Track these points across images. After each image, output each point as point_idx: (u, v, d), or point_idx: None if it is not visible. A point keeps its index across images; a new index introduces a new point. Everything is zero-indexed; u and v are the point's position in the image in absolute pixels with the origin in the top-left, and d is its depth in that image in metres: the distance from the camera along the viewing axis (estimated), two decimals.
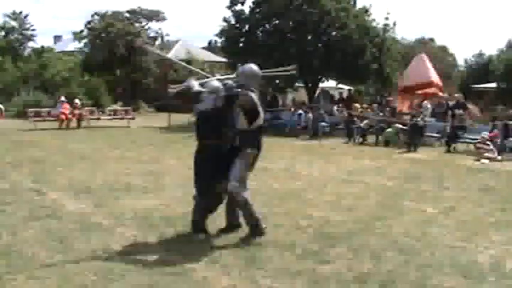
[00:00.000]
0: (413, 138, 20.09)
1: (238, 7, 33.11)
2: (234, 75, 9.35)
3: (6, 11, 70.00)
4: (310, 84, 33.75)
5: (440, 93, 24.72)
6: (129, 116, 31.54)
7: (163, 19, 55.15)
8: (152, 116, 39.92)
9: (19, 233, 8.25)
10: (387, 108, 24.73)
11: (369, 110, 25.14)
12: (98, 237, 8.08)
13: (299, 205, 10.42)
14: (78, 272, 6.68)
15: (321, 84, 35.30)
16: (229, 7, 33.16)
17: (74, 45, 53.94)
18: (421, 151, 19.60)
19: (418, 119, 20.78)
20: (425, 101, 24.46)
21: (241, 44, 32.63)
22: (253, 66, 8.73)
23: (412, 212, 10.04)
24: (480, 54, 66.25)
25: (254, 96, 8.20)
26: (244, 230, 8.26)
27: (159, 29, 55.57)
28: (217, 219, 8.51)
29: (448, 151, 19.94)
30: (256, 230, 8.12)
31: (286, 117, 28.28)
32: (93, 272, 6.66)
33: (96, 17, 49.81)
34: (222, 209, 8.44)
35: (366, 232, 8.51)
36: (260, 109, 8.36)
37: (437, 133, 21.40)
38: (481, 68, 59.40)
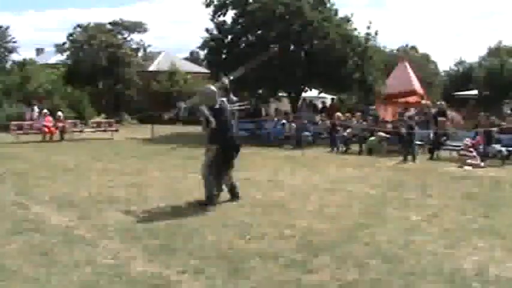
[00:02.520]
0: (409, 147, 20.00)
1: (221, 18, 33.21)
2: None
3: None
4: (293, 94, 33.81)
5: (423, 101, 24.83)
6: (113, 128, 31.47)
7: (145, 30, 55.15)
8: (135, 127, 39.84)
9: (2, 247, 8.19)
10: (370, 117, 24.80)
11: (353, 118, 25.16)
12: (82, 250, 8.04)
13: (282, 215, 10.41)
14: (62, 285, 6.65)
15: (303, 94, 35.37)
16: (211, 19, 33.22)
17: (56, 58, 53.79)
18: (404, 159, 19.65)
19: (413, 124, 20.76)
20: (412, 109, 24.57)
21: (224, 55, 32.64)
22: (205, 88, 12.01)
23: (396, 220, 10.05)
24: (460, 62, 66.74)
25: (204, 109, 11.24)
26: (232, 242, 8.25)
27: (141, 40, 55.55)
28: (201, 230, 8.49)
29: (431, 158, 20.02)
30: (208, 200, 11.21)
31: (270, 127, 28.31)
32: (78, 285, 6.63)
33: (78, 29, 49.72)
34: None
35: (350, 241, 8.51)
36: (211, 118, 11.15)
37: (420, 141, 21.46)
38: (462, 76, 59.85)
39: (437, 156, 20.33)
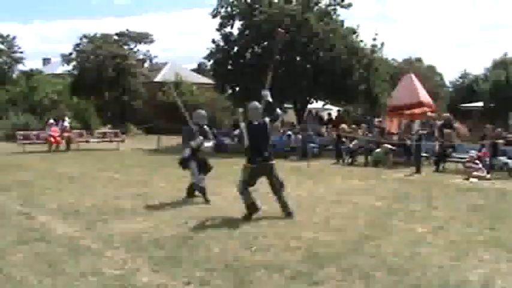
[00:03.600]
0: (418, 158, 19.98)
1: (227, 29, 33.28)
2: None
3: None
4: (298, 105, 33.82)
5: (430, 113, 24.79)
6: (119, 139, 31.49)
7: (152, 41, 55.38)
8: (142, 138, 39.86)
9: (7, 257, 8.21)
10: (375, 129, 24.78)
11: (359, 131, 25.12)
12: (87, 260, 8.04)
13: (288, 226, 10.40)
14: None
15: (309, 105, 35.38)
16: (218, 29, 33.29)
17: (63, 68, 53.96)
18: (410, 171, 19.61)
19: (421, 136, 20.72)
20: (417, 121, 24.52)
21: (229, 66, 32.69)
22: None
23: (402, 231, 10.03)
24: (465, 74, 66.75)
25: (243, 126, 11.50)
26: (239, 254, 8.24)
27: (147, 51, 55.72)
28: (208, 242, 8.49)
29: (437, 170, 19.98)
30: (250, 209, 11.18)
31: (275, 139, 28.33)
32: None
33: (84, 39, 49.90)
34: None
35: (356, 252, 8.50)
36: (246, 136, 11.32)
37: (425, 152, 21.41)
38: (467, 88, 59.84)
39: (443, 168, 20.29)
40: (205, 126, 13.45)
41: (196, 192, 13.27)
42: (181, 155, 13.31)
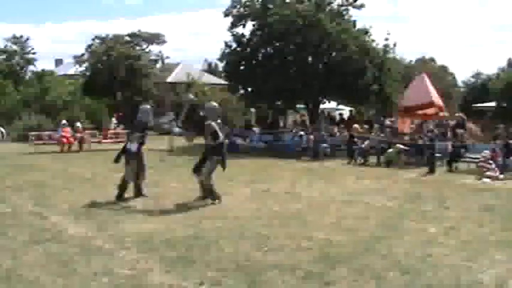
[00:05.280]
0: (431, 159, 19.93)
1: (239, 29, 33.28)
2: None
3: (7, 35, 70.06)
4: (310, 106, 33.79)
5: (441, 113, 24.69)
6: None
7: (164, 42, 55.38)
8: (154, 138, 39.84)
9: (20, 257, 8.24)
10: (387, 129, 24.72)
11: (372, 132, 25.05)
12: (99, 260, 8.06)
13: (300, 227, 10.40)
14: None
15: (321, 106, 35.34)
16: (230, 29, 33.28)
17: (75, 69, 54.10)
18: (422, 171, 19.56)
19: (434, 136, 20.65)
20: (430, 121, 24.44)
21: (242, 67, 32.67)
22: (213, 103, 13.83)
23: (413, 232, 10.01)
24: (478, 74, 66.51)
25: (214, 124, 12.81)
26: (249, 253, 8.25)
27: (160, 51, 55.75)
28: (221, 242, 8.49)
29: (450, 170, 19.91)
30: (213, 196, 12.74)
31: (287, 139, 28.30)
32: None
33: (97, 40, 50.02)
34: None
35: (368, 253, 8.49)
36: (219, 132, 12.89)
37: (438, 153, 21.33)
38: (480, 88, 59.63)
39: (456, 168, 20.21)
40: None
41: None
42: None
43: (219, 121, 13.37)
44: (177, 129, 14.19)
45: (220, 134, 12.95)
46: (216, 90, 48.54)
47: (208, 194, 12.92)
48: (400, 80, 33.64)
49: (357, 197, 14.11)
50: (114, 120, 33.14)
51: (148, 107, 14.27)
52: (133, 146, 13.47)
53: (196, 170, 13.14)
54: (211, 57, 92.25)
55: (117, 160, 13.86)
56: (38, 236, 9.51)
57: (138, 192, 13.73)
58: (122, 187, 13.48)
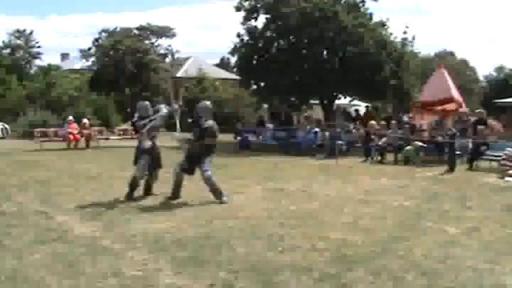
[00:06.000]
0: (451, 156, 19.85)
1: (252, 23, 33.26)
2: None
3: (10, 28, 70.53)
4: (325, 101, 33.75)
5: (461, 109, 24.59)
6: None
7: (174, 35, 55.40)
8: (163, 135, 39.89)
9: (25, 257, 8.25)
10: (405, 125, 24.64)
11: (389, 128, 24.98)
12: (108, 261, 8.06)
13: (316, 227, 10.36)
14: None
15: (337, 101, 35.29)
16: (242, 23, 33.28)
17: (81, 63, 54.23)
18: (441, 169, 19.48)
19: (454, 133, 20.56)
20: (450, 117, 24.35)
21: (254, 61, 32.65)
22: (206, 102, 13.90)
23: (433, 232, 9.96)
24: (500, 68, 66.24)
25: (214, 125, 13.10)
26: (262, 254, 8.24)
27: (169, 45, 55.76)
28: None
29: (470, 169, 19.82)
30: (219, 196, 12.76)
31: (302, 136, 28.25)
32: None
33: (104, 34, 50.08)
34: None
35: (386, 254, 8.45)
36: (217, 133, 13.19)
37: (458, 150, 21.23)
38: (502, 82, 59.38)
39: (477, 166, 20.12)
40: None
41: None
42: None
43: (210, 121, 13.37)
44: (177, 134, 14.12)
45: (217, 134, 13.30)
46: (227, 85, 48.63)
47: (214, 191, 12.98)
48: (419, 75, 33.54)
49: (373, 196, 14.07)
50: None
51: (147, 103, 14.36)
52: (146, 143, 13.49)
53: (189, 170, 13.31)
54: (223, 51, 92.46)
55: (136, 162, 13.76)
56: (43, 236, 9.52)
57: (148, 191, 13.76)
58: (133, 185, 13.46)
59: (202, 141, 12.95)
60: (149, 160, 13.51)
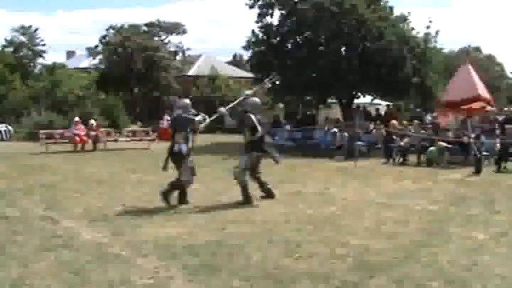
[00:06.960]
0: (478, 157, 19.74)
1: (267, 19, 33.21)
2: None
3: (14, 25, 70.64)
4: (344, 101, 33.68)
5: (489, 107, 24.45)
6: (149, 138, 31.62)
7: (184, 32, 55.48)
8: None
9: (31, 265, 8.27)
10: (429, 125, 24.55)
11: (410, 127, 24.88)
12: (116, 269, 8.06)
13: (335, 232, 10.34)
14: None
15: (356, 100, 35.21)
16: (257, 20, 33.21)
17: (88, 62, 54.36)
18: (467, 171, 19.39)
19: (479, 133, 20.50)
20: (476, 117, 24.26)
21: (269, 59, 32.56)
22: (255, 98, 14.03)
23: (459, 238, 9.91)
24: None
25: (254, 117, 13.23)
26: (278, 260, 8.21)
27: (180, 42, 55.83)
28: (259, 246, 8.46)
29: (498, 170, 19.73)
30: (246, 199, 13.03)
31: (320, 136, 28.18)
32: None
33: (111, 31, 50.19)
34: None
35: (409, 261, 8.41)
36: (258, 126, 13.23)
37: (485, 151, 21.13)
38: None
39: (505, 168, 20.03)
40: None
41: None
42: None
43: (259, 116, 13.62)
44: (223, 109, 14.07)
45: (260, 128, 13.28)
46: (241, 84, 48.60)
47: (242, 192, 13.17)
48: (443, 72, 33.38)
49: (395, 199, 14.04)
50: (167, 117, 33.55)
51: (188, 101, 13.81)
52: (183, 147, 13.06)
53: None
54: (235, 48, 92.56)
55: (165, 167, 13.30)
56: (49, 243, 9.54)
57: (184, 199, 13.30)
58: (182, 192, 13.27)
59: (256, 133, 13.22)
60: (193, 163, 13.30)
